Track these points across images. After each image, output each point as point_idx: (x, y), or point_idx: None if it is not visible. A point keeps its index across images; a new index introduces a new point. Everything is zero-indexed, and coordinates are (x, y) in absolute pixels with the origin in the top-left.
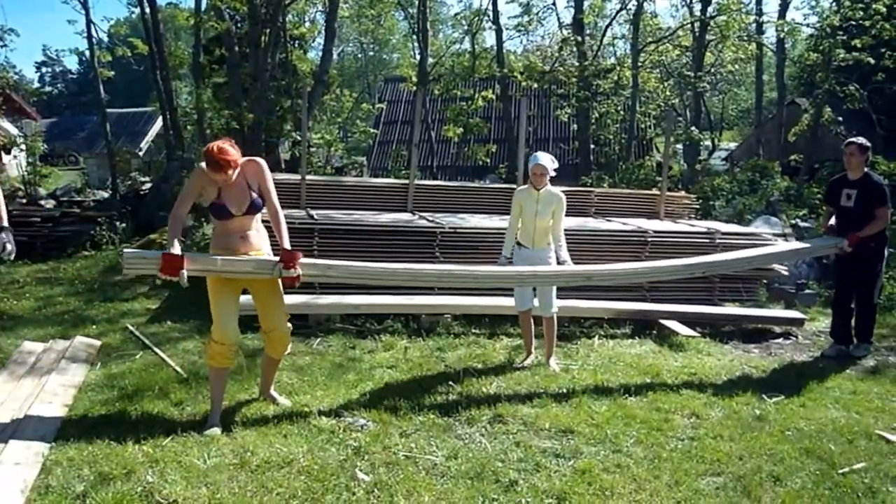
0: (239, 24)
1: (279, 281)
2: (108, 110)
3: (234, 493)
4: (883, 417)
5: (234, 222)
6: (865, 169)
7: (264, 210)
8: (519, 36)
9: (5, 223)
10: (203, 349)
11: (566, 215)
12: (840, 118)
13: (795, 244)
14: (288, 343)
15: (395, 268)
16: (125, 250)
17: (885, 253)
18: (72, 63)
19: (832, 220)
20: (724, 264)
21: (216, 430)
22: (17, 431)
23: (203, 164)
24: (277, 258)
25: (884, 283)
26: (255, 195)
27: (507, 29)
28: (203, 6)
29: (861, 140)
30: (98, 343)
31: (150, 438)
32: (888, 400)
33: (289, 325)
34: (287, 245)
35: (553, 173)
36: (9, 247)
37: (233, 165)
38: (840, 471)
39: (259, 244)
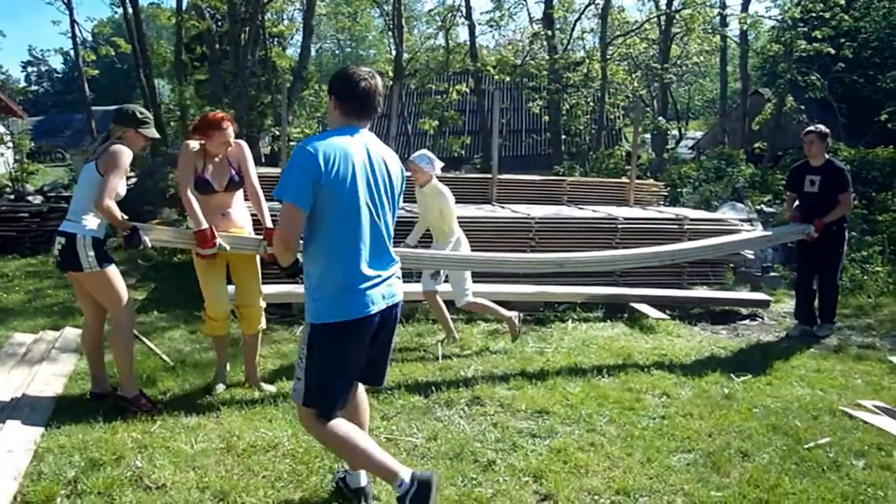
0: (219, 23)
1: (257, 260)
2: (93, 108)
3: (221, 477)
4: (846, 394)
5: (216, 198)
6: (827, 155)
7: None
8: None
9: None
10: (189, 338)
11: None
12: (802, 107)
13: (764, 232)
14: (261, 318)
15: None
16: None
17: (847, 236)
18: (57, 63)
19: (796, 206)
20: (695, 251)
21: (221, 387)
22: (9, 420)
23: (190, 143)
24: (261, 236)
25: (845, 265)
26: (234, 172)
27: (479, 24)
28: (184, 6)
29: (820, 128)
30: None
31: (139, 425)
32: (851, 377)
33: (262, 303)
34: (269, 223)
35: (433, 170)
36: None
37: (230, 120)
38: (805, 446)
39: (241, 221)
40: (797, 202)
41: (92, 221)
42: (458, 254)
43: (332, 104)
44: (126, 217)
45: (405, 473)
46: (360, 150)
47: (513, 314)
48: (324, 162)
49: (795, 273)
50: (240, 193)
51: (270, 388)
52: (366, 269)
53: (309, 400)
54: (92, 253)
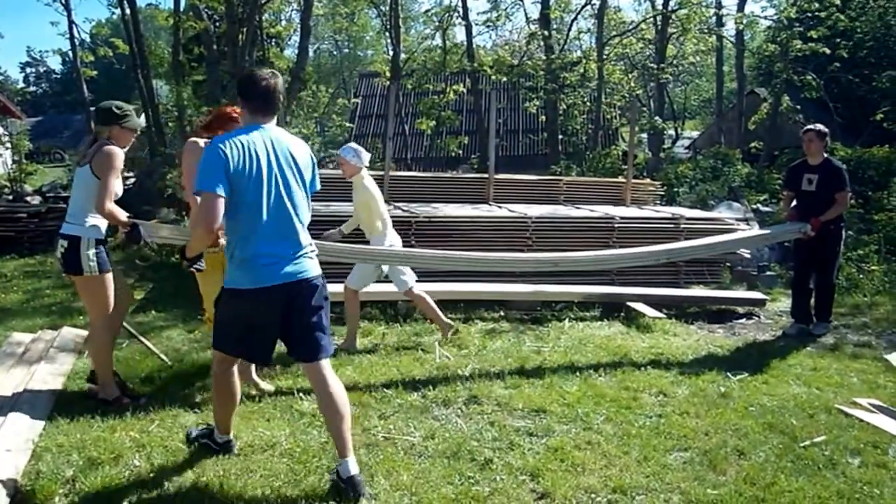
0: (217, 24)
1: None
2: (92, 108)
3: (219, 476)
4: (842, 392)
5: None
6: (825, 154)
7: None
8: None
9: None
10: (187, 338)
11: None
12: (798, 107)
13: (761, 231)
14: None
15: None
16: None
17: (843, 235)
18: (55, 63)
19: (793, 204)
20: (691, 250)
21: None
22: (8, 419)
23: (197, 140)
24: None
25: (841, 264)
26: None
27: (476, 24)
28: (182, 6)
29: (819, 126)
30: (85, 333)
31: (137, 424)
32: (847, 375)
33: None
34: None
35: (360, 163)
36: None
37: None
38: (801, 444)
39: None
40: (794, 201)
41: (93, 222)
42: (460, 254)
43: (241, 106)
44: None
45: (230, 438)
46: (264, 144)
47: (449, 323)
48: (230, 156)
49: (792, 272)
50: None
51: (269, 388)
52: (267, 248)
53: (214, 344)
54: (94, 256)
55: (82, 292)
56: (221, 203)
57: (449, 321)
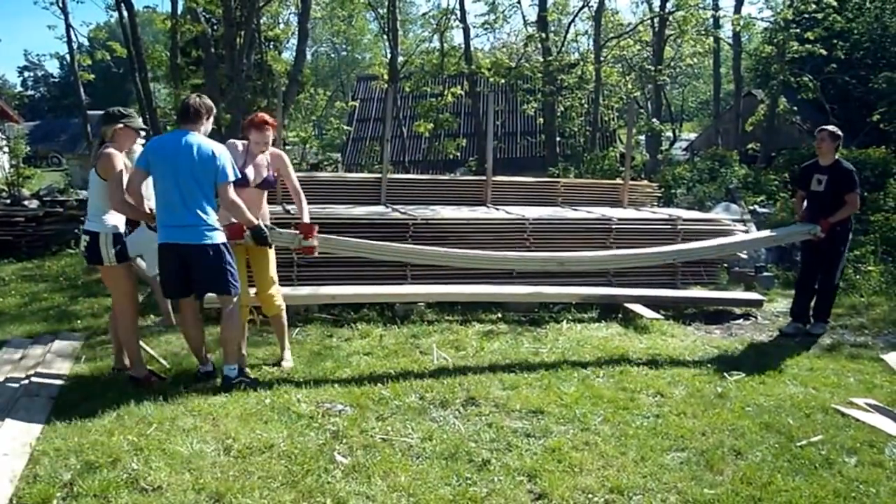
0: (214, 27)
1: (271, 254)
2: (90, 112)
3: (217, 478)
4: (839, 392)
5: (245, 193)
6: (836, 156)
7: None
8: (486, 34)
9: None
10: (184, 342)
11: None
12: (795, 108)
13: (772, 232)
14: (274, 303)
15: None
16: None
17: (850, 237)
18: (53, 67)
19: (805, 206)
20: (704, 250)
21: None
22: (5, 424)
23: (235, 141)
24: (297, 231)
25: (845, 265)
26: (270, 173)
27: (474, 27)
28: (179, 9)
29: (832, 128)
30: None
31: (135, 428)
32: (843, 376)
33: (277, 289)
34: (307, 219)
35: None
36: None
37: (273, 125)
38: (798, 444)
39: (265, 218)
40: (805, 200)
41: (111, 219)
42: (465, 252)
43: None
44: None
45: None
46: (175, 143)
47: (173, 318)
48: (151, 147)
49: (789, 272)
50: (265, 193)
51: (287, 365)
52: (166, 217)
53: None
54: (112, 249)
55: (106, 280)
56: (140, 175)
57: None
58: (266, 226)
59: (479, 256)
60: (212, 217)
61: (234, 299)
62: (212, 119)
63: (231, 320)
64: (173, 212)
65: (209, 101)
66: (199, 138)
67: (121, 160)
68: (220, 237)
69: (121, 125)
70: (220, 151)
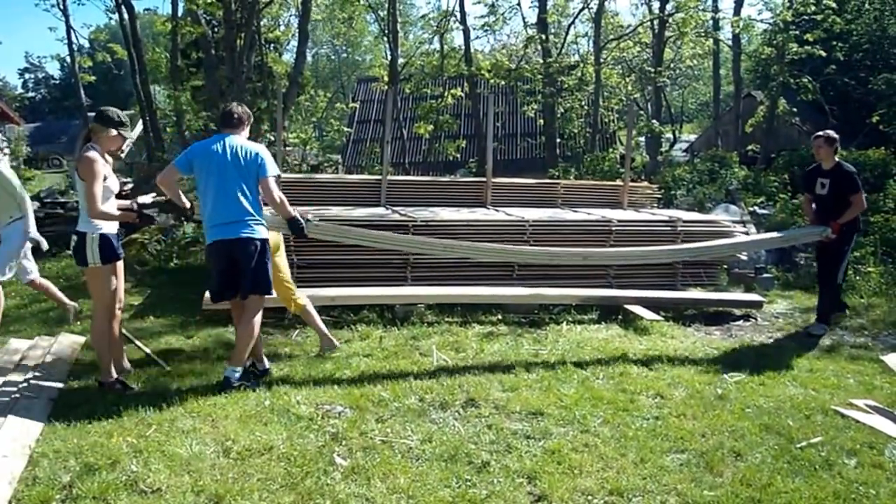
0: (215, 29)
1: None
2: (90, 114)
3: (216, 480)
4: (838, 393)
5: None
6: (837, 158)
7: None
8: (486, 35)
9: None
10: (185, 343)
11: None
12: (794, 109)
13: (783, 232)
14: (297, 301)
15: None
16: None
17: (854, 237)
18: (54, 69)
19: (813, 208)
20: (718, 249)
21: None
22: (5, 425)
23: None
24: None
25: (849, 264)
26: None
27: (474, 29)
28: (180, 11)
29: (828, 132)
30: (82, 339)
31: (135, 430)
32: (843, 377)
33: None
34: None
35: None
36: None
37: (246, 120)
38: (798, 445)
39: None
40: (814, 204)
41: (95, 220)
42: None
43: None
44: (137, 203)
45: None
46: (217, 145)
47: (71, 304)
48: (194, 151)
49: (789, 274)
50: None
51: (333, 346)
52: (214, 217)
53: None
54: (97, 250)
55: (88, 281)
56: (175, 172)
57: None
58: (304, 218)
59: (508, 251)
60: (257, 213)
61: (262, 301)
62: (250, 125)
63: (251, 323)
64: (220, 210)
65: (248, 110)
66: (242, 140)
67: (101, 167)
68: (264, 233)
69: (114, 132)
70: (262, 151)
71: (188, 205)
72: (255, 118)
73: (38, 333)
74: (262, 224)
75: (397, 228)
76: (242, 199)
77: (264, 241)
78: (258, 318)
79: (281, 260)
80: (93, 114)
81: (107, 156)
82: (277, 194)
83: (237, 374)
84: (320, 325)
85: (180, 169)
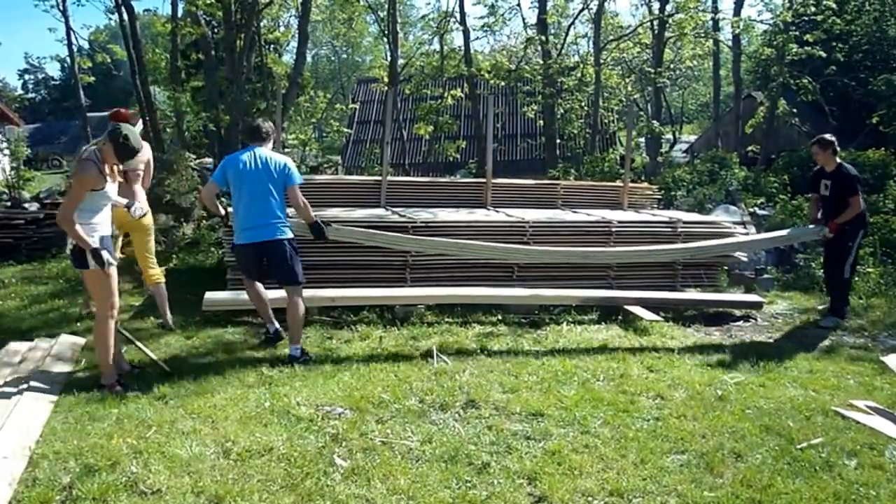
0: (215, 30)
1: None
2: (90, 115)
3: (216, 481)
4: (838, 394)
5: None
6: (837, 160)
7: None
8: (485, 36)
9: None
10: (185, 345)
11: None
12: (794, 110)
13: (783, 232)
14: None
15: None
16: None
17: (859, 234)
18: (53, 70)
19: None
20: (722, 247)
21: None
22: (5, 427)
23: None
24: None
25: (856, 258)
26: None
27: (473, 29)
28: (179, 12)
29: (821, 137)
30: (83, 341)
31: (135, 431)
32: (843, 378)
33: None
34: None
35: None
36: None
37: (272, 134)
38: (798, 446)
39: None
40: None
41: (97, 224)
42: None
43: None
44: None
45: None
46: (248, 156)
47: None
48: (228, 163)
49: (789, 275)
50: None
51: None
52: (246, 221)
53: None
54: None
55: (87, 285)
56: (215, 187)
57: None
58: (323, 222)
59: (511, 250)
60: (284, 217)
61: (300, 288)
62: (273, 138)
63: (296, 307)
64: (252, 216)
65: (272, 125)
66: (269, 152)
67: (90, 183)
68: (290, 233)
69: (115, 159)
70: (289, 161)
71: (223, 212)
72: (254, 119)
73: (39, 335)
74: (289, 226)
75: (397, 230)
76: (273, 204)
77: (292, 241)
78: (301, 302)
79: (150, 241)
80: (91, 114)
81: (98, 177)
82: (302, 200)
83: (298, 350)
84: (165, 305)
85: (219, 183)
